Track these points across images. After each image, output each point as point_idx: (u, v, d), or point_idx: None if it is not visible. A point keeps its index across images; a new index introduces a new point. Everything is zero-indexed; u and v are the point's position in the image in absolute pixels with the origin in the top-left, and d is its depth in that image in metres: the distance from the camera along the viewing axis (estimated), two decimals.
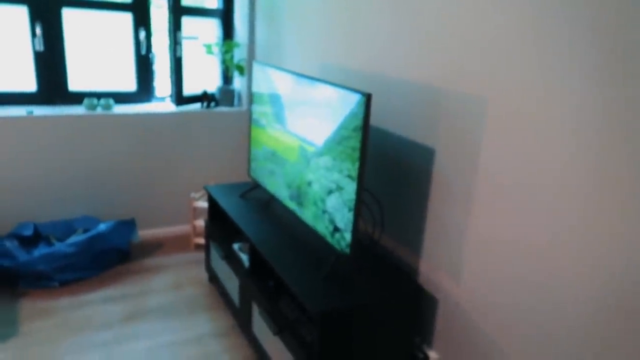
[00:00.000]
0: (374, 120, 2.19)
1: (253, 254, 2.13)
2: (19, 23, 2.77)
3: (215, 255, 2.57)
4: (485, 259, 1.70)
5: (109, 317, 2.41)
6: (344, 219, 1.78)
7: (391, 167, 2.12)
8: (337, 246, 1.84)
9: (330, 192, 1.85)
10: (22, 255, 2.63)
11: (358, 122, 1.68)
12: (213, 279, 2.66)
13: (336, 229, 1.84)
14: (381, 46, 2.11)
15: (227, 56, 3.23)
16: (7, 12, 2.74)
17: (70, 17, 2.87)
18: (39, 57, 2.85)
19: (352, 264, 1.94)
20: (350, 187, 1.73)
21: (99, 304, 2.51)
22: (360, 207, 1.74)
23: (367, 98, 1.64)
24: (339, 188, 1.79)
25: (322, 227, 1.93)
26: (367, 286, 1.81)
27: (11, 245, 2.66)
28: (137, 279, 2.77)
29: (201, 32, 3.23)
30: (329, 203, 1.86)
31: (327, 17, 2.46)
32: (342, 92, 1.76)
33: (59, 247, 2.65)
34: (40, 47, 2.81)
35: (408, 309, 1.86)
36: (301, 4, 2.67)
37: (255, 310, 2.08)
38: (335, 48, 2.43)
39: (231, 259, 2.33)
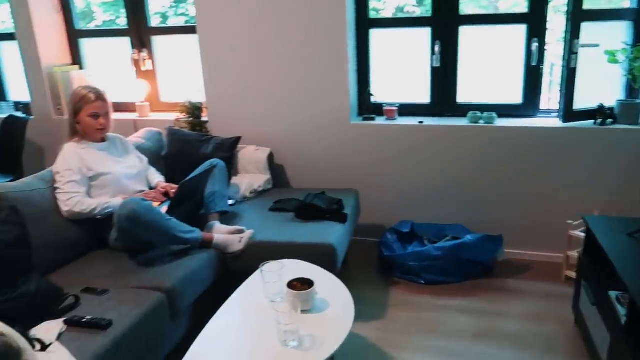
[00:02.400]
0: None
1: (632, 309, 1.71)
2: (423, 43, 3.09)
3: (585, 296, 2.21)
4: None
5: (461, 328, 2.43)
6: None
7: None
8: None
9: None
10: (398, 249, 2.96)
11: None
12: (579, 322, 2.30)
13: None
14: None
15: (636, 64, 2.69)
16: (414, 33, 3.12)
17: (466, 33, 3.01)
18: (435, 73, 3.12)
19: None
20: None
21: (454, 312, 2.56)
22: None
23: None
24: None
25: None
26: None
27: (392, 238, 3.03)
28: (497, 297, 2.68)
29: (603, 38, 2.80)
30: None
31: None
32: None
33: (429, 248, 2.85)
34: (437, 64, 3.07)
35: None
36: None
37: None
38: None
39: (603, 307, 1.95)
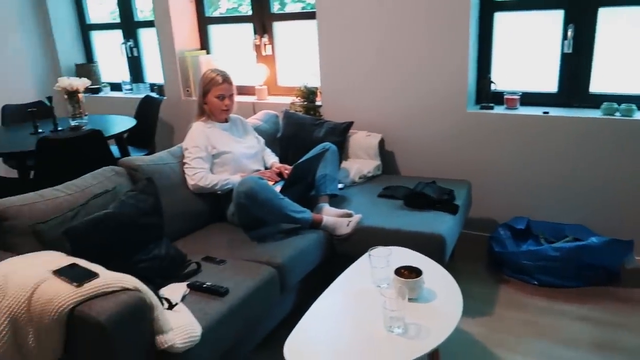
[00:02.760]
0: None
1: None
2: (552, 26, 2.86)
3: None
4: None
5: (577, 337, 2.25)
6: None
7: None
8: None
9: None
10: (511, 246, 2.81)
11: None
12: None
13: None
14: None
15: None
16: (543, 16, 2.89)
17: (606, 15, 2.73)
18: (565, 59, 2.87)
19: None
20: None
21: (570, 319, 2.38)
22: None
23: None
24: None
25: None
26: None
27: (504, 234, 2.88)
28: (622, 308, 2.44)
29: None
30: None
31: None
32: None
33: (545, 247, 2.67)
34: (568, 49, 2.82)
35: None
36: None
37: None
38: None
39: None
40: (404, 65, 3.11)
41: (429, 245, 2.27)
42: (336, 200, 2.70)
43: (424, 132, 3.17)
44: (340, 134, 3.09)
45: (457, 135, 3.08)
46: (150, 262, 1.91)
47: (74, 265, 1.58)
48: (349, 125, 3.12)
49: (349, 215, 2.49)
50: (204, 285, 1.88)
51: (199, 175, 2.50)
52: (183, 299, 1.82)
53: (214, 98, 2.61)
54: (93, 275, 1.52)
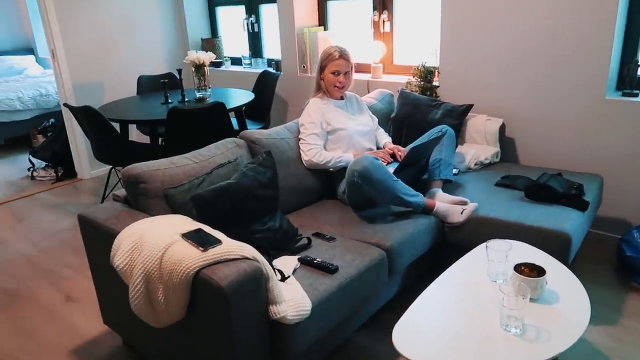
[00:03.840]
0: None
1: None
2: None
3: None
4: None
5: None
6: None
7: None
8: None
9: None
10: None
11: None
12: None
13: None
14: None
15: None
16: None
17: None
18: None
19: None
20: None
21: None
22: None
23: None
24: None
25: None
26: None
27: (639, 237, 2.58)
28: None
29: None
30: None
31: None
32: None
33: None
34: None
35: None
36: None
37: None
38: None
39: None
40: (534, 45, 2.86)
41: (552, 243, 2.10)
42: (449, 186, 2.60)
43: (551, 118, 2.91)
44: (457, 116, 2.95)
45: (591, 124, 2.79)
46: (265, 233, 1.98)
47: (199, 230, 1.69)
48: (468, 108, 2.97)
49: (464, 203, 2.38)
50: (315, 261, 1.91)
51: (313, 151, 2.53)
52: (294, 272, 1.86)
53: (330, 74, 2.62)
54: (217, 241, 1.60)
